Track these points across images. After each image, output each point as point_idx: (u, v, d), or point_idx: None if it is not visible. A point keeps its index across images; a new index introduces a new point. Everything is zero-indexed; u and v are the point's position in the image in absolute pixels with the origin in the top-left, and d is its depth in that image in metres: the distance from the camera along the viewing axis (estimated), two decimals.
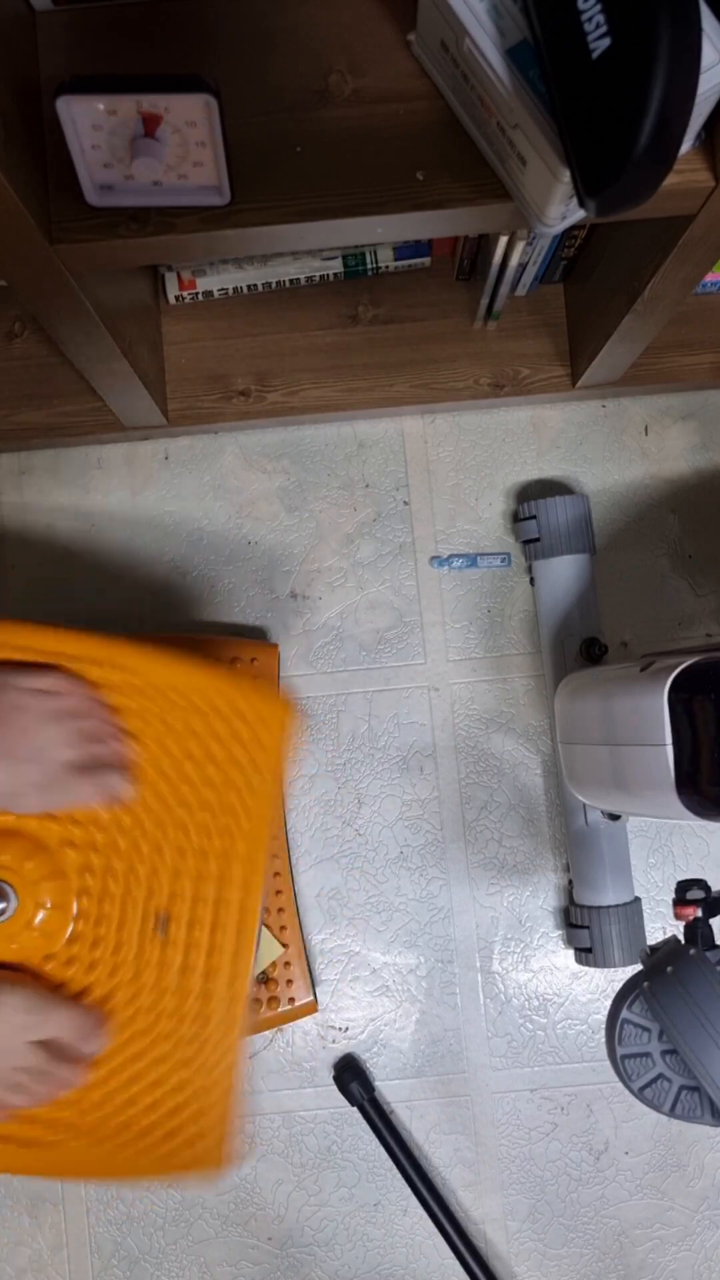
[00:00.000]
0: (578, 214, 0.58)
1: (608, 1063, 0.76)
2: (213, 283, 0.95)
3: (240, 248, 0.63)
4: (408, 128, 0.60)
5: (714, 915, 0.71)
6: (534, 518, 0.96)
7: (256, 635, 1.02)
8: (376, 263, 0.95)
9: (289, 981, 0.96)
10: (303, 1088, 0.99)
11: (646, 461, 1.03)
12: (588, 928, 0.93)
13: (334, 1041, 0.99)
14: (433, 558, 1.02)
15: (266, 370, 0.97)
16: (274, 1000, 0.96)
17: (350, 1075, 0.96)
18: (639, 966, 0.72)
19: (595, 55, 0.47)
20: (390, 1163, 0.97)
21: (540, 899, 1.00)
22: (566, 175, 0.52)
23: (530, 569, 1.00)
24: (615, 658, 0.99)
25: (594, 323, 0.89)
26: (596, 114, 0.48)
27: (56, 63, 0.60)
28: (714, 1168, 0.99)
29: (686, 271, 0.71)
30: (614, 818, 0.92)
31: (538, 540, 0.96)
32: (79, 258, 0.62)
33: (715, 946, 0.68)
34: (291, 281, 0.96)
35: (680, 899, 0.71)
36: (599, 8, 0.47)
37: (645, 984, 0.68)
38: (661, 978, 0.67)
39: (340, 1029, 0.99)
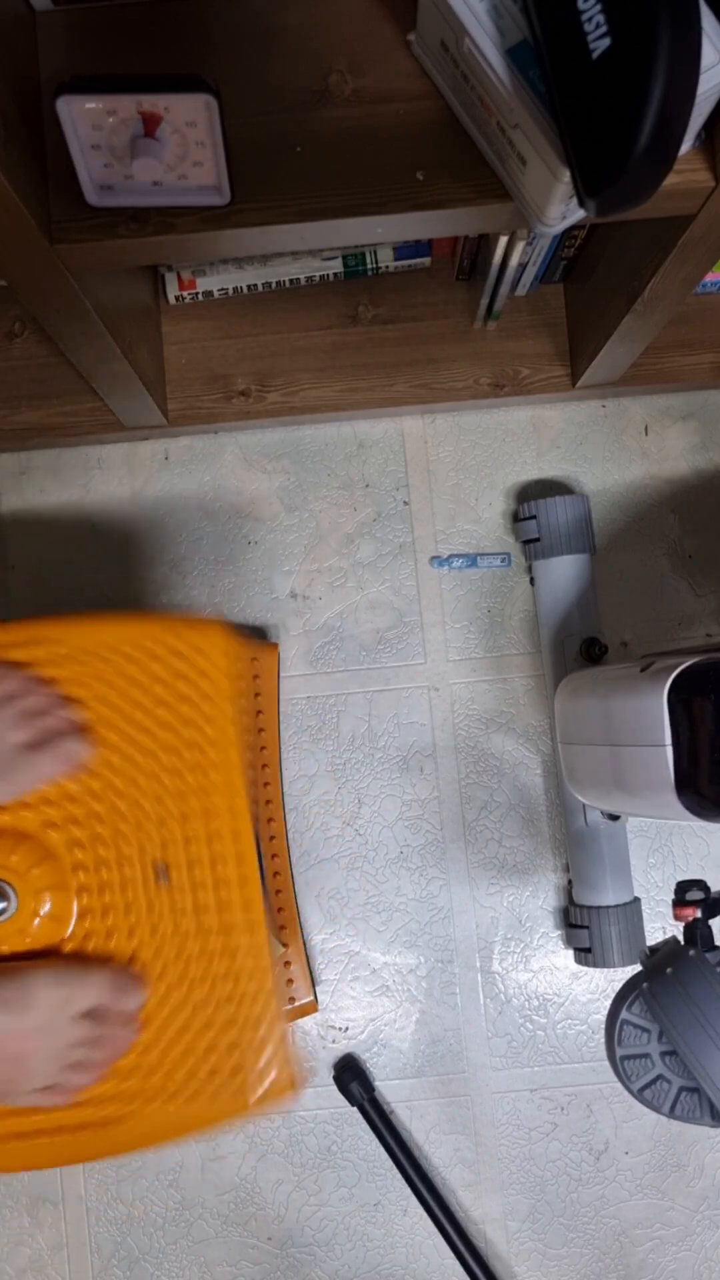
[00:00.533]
0: (578, 214, 0.58)
1: (607, 1063, 0.76)
2: (213, 283, 0.95)
3: (240, 248, 0.63)
4: (408, 128, 0.60)
5: (714, 916, 0.70)
6: (534, 518, 0.96)
7: (256, 635, 1.02)
8: (376, 263, 0.95)
9: (289, 981, 0.96)
10: (306, 1079, 0.98)
11: (646, 461, 1.03)
12: (587, 928, 0.93)
13: (334, 1041, 0.99)
14: (433, 558, 1.02)
15: (266, 370, 0.97)
16: None
17: (350, 1075, 0.96)
18: (639, 967, 0.72)
19: (595, 55, 0.47)
20: (390, 1163, 0.97)
21: (540, 899, 1.00)
22: (566, 175, 0.52)
23: (530, 569, 1.00)
24: (615, 658, 0.99)
25: (594, 323, 0.89)
26: (596, 114, 0.48)
27: (56, 63, 0.60)
28: (714, 1168, 0.99)
29: (686, 271, 0.71)
30: (614, 818, 0.92)
31: (538, 540, 0.96)
32: (79, 258, 0.62)
33: (715, 947, 0.68)
34: (291, 281, 0.96)
35: (680, 899, 0.71)
36: (599, 8, 0.47)
37: (645, 985, 0.68)
38: (661, 978, 0.67)
39: (340, 1029, 0.99)
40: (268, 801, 0.98)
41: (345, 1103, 0.97)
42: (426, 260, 0.96)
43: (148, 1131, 0.67)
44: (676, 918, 0.70)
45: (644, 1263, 0.98)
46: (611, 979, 1.00)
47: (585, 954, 0.93)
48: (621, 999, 0.70)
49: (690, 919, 0.70)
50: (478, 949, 1.00)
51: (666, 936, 0.73)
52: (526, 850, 1.00)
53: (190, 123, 0.54)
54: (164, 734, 0.69)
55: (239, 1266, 0.98)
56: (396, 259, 0.95)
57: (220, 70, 0.60)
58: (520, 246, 0.83)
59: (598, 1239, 0.98)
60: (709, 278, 0.94)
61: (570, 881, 0.98)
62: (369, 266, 0.95)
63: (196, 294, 0.96)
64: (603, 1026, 0.93)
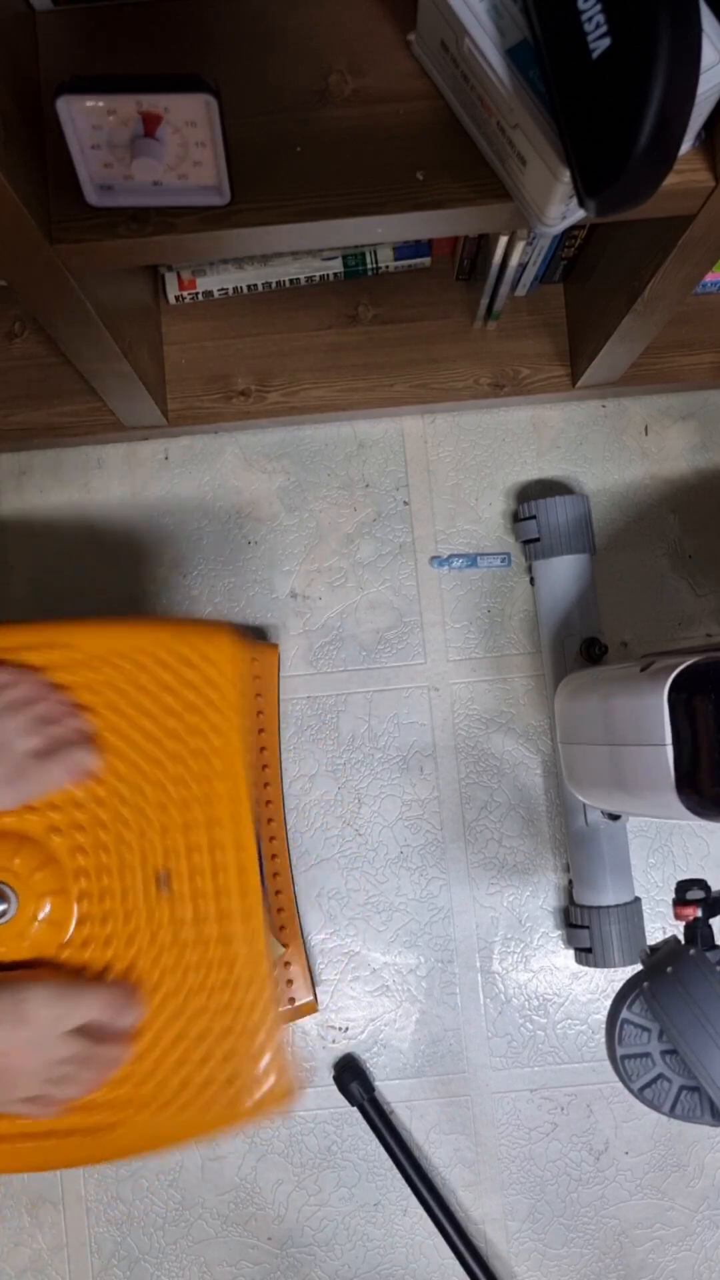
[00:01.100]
0: (578, 214, 0.58)
1: (608, 1063, 0.76)
2: (213, 283, 0.95)
3: (240, 248, 0.63)
4: (408, 128, 0.60)
5: (714, 915, 0.70)
6: (534, 518, 0.96)
7: (256, 635, 1.02)
8: (376, 263, 0.95)
9: (289, 981, 0.96)
10: (303, 1088, 0.98)
11: (646, 461, 1.03)
12: (588, 928, 0.93)
13: (334, 1041, 0.99)
14: (433, 558, 1.02)
15: (266, 370, 0.97)
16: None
17: (350, 1075, 0.96)
18: (639, 966, 0.72)
19: (595, 55, 0.47)
20: (390, 1163, 0.97)
21: (540, 899, 1.00)
22: (566, 175, 0.52)
23: (530, 569, 1.00)
24: (615, 658, 0.99)
25: (594, 323, 0.89)
26: (596, 114, 0.48)
27: (56, 63, 0.60)
28: (714, 1168, 0.99)
29: (686, 271, 0.71)
30: (614, 818, 0.92)
31: (538, 540, 0.96)
32: (79, 258, 0.62)
33: (715, 946, 0.68)
34: (291, 281, 0.96)
35: (680, 899, 0.71)
36: (599, 8, 0.47)
37: (645, 984, 0.68)
38: (661, 978, 0.67)
39: (340, 1029, 0.99)
40: (268, 802, 0.98)
41: (345, 1103, 0.97)
42: (426, 260, 0.96)
43: (138, 1139, 0.67)
44: (677, 917, 0.70)
45: (644, 1263, 0.98)
46: (611, 979, 1.00)
47: (585, 954, 0.93)
48: (622, 998, 0.70)
49: (690, 918, 0.70)
50: (478, 949, 1.00)
51: (667, 936, 0.73)
52: (526, 850, 1.00)
53: (190, 123, 0.54)
54: (171, 743, 0.69)
55: (239, 1266, 0.98)
56: (396, 259, 0.95)
57: (220, 70, 0.60)
58: (520, 246, 0.83)
59: (598, 1239, 0.98)
60: (709, 278, 0.94)
61: (570, 881, 0.98)
62: (369, 266, 0.95)
63: (196, 294, 0.96)
64: (603, 1026, 0.93)
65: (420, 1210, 0.97)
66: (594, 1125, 0.99)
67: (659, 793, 0.70)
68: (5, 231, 0.58)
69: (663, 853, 1.00)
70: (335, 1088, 0.98)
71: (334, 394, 0.97)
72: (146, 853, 0.68)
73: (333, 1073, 0.98)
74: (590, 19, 0.47)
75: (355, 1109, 0.97)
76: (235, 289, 0.95)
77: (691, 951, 0.68)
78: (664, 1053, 0.69)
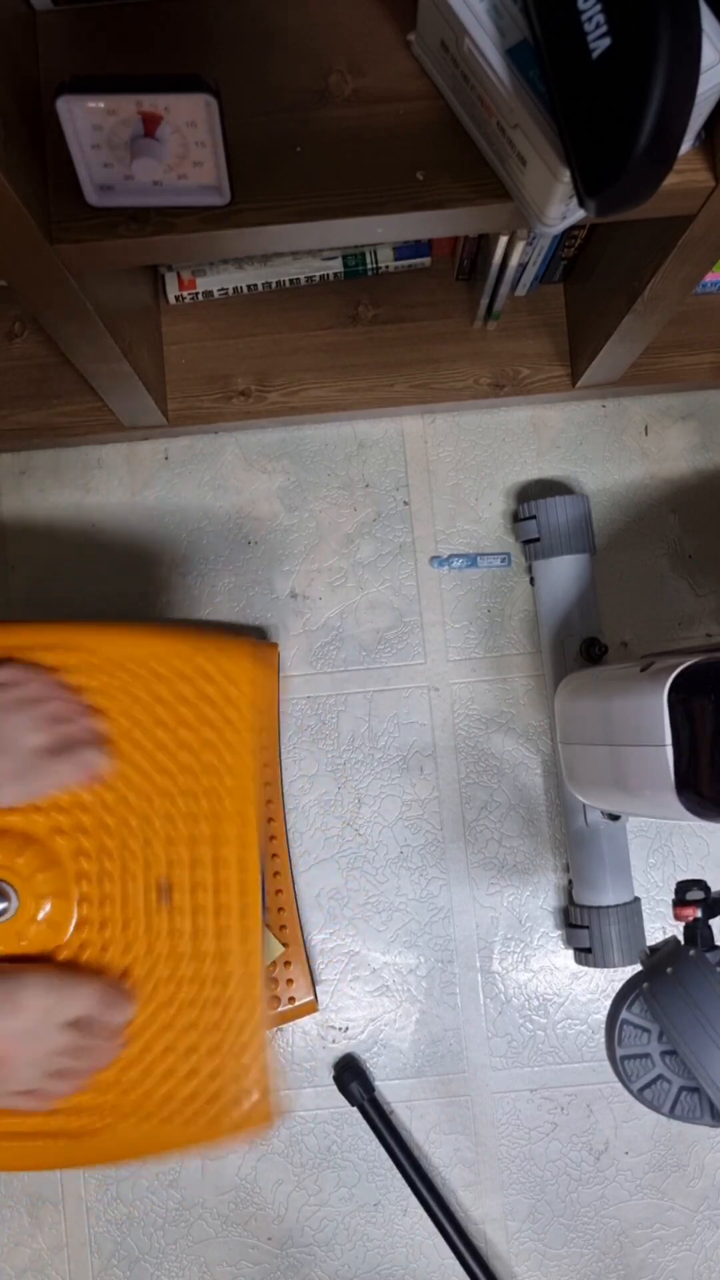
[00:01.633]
0: (578, 214, 0.58)
1: (607, 1063, 0.76)
2: (213, 283, 0.95)
3: (240, 248, 0.63)
4: (408, 128, 0.60)
5: (714, 916, 0.70)
6: (534, 518, 0.96)
7: (256, 635, 1.02)
8: (376, 263, 0.95)
9: (289, 981, 0.96)
10: (303, 1088, 0.99)
11: (646, 461, 1.03)
12: (588, 928, 0.93)
13: (334, 1041, 0.99)
14: (433, 558, 1.02)
15: (266, 370, 0.97)
16: (274, 1000, 0.96)
17: (350, 1075, 0.96)
18: (639, 967, 0.72)
19: (595, 55, 0.47)
20: (390, 1163, 0.97)
21: (540, 899, 1.00)
22: (566, 175, 0.52)
23: (530, 569, 1.00)
24: (615, 658, 0.99)
25: (594, 323, 0.89)
26: (596, 114, 0.48)
27: (56, 63, 0.60)
28: (714, 1168, 0.99)
29: (686, 271, 0.71)
30: (614, 818, 0.92)
31: (538, 540, 0.96)
32: (79, 258, 0.62)
33: (715, 947, 0.68)
34: (291, 281, 0.96)
35: (680, 899, 0.71)
36: (599, 8, 0.47)
37: (645, 984, 0.68)
38: (661, 978, 0.67)
39: (340, 1029, 0.99)
40: (268, 801, 0.98)
41: (345, 1103, 0.97)
42: (426, 260, 0.96)
43: (121, 1147, 0.67)
44: (676, 918, 0.70)
45: (644, 1263, 0.98)
46: (611, 979, 1.00)
47: (585, 954, 0.93)
48: (621, 999, 0.70)
49: (690, 919, 0.70)
50: (478, 949, 1.00)
51: (666, 936, 0.73)
52: (526, 850, 1.00)
53: (190, 123, 0.54)
54: (183, 754, 0.69)
55: (239, 1266, 0.98)
56: (396, 259, 0.95)
57: (220, 70, 0.60)
58: (520, 246, 0.83)
59: (598, 1239, 0.98)
60: (709, 278, 0.94)
61: (570, 881, 0.98)
62: (369, 266, 0.95)
63: (196, 294, 0.96)
64: (603, 1026, 0.93)
65: (420, 1210, 0.97)
66: (594, 1125, 0.99)
67: (659, 793, 0.70)
68: (5, 231, 0.58)
69: (663, 853, 1.00)
70: (335, 1088, 0.98)
71: (334, 394, 0.97)
72: (150, 861, 0.68)
73: (333, 1073, 0.98)
74: (590, 19, 0.47)
75: (355, 1109, 0.97)
76: (235, 289, 0.95)
77: (691, 952, 0.68)
78: (664, 1053, 0.69)
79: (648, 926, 0.96)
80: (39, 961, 0.67)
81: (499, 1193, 0.98)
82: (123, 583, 1.02)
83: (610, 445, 1.03)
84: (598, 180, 0.49)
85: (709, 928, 0.70)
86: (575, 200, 0.52)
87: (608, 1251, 0.98)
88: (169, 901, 0.67)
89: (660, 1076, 0.69)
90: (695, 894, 0.71)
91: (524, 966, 0.99)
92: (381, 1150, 0.97)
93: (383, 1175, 0.98)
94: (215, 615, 1.02)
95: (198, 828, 0.68)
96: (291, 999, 0.96)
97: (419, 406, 0.99)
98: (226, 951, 0.67)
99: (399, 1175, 0.97)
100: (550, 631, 0.96)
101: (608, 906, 0.93)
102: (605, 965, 0.92)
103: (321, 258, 0.93)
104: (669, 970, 0.67)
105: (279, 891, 0.97)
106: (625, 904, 0.93)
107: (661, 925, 0.99)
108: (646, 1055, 0.69)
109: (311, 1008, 0.97)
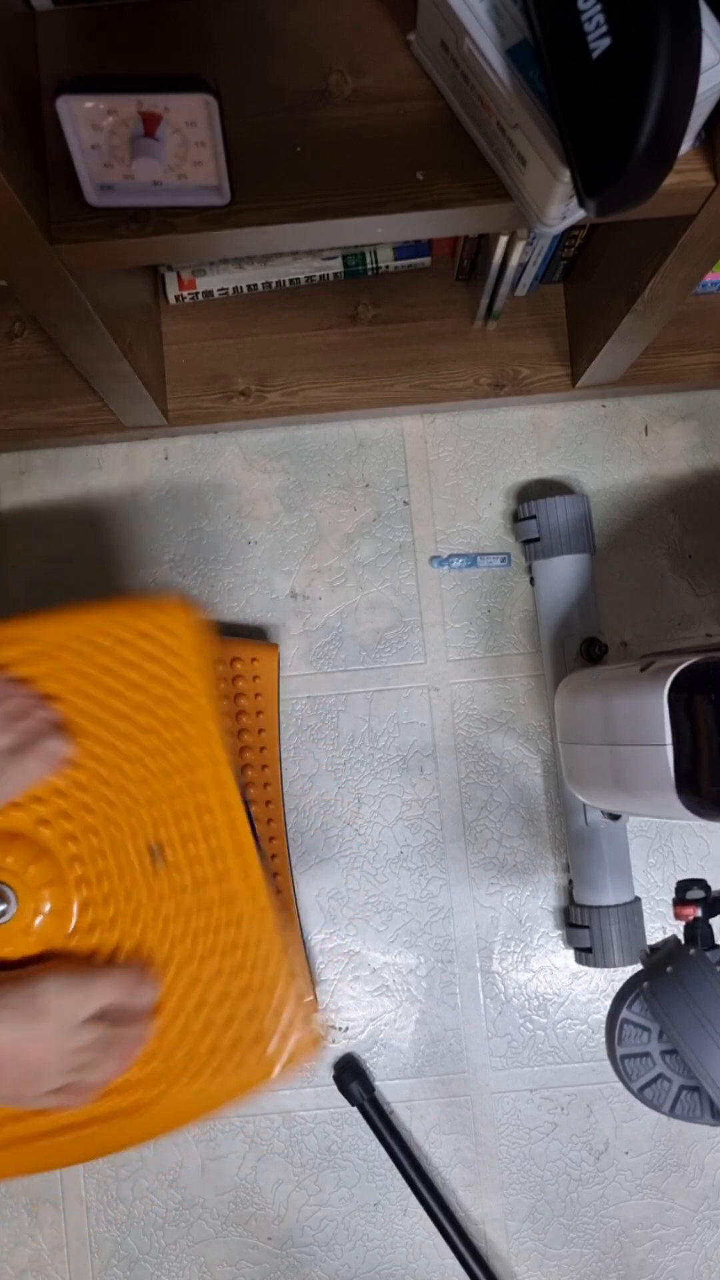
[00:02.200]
0: (578, 214, 0.58)
1: (608, 1062, 0.76)
2: (213, 283, 0.95)
3: (240, 248, 0.63)
4: (408, 128, 0.60)
5: (714, 915, 0.70)
6: (534, 518, 0.96)
7: (256, 635, 1.02)
8: (376, 263, 0.95)
9: None
10: (303, 1088, 0.99)
11: (646, 461, 1.03)
12: (588, 928, 0.93)
13: (334, 1041, 0.99)
14: (433, 558, 1.02)
15: (266, 370, 0.97)
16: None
17: (350, 1075, 0.96)
18: (639, 966, 0.72)
19: (595, 55, 0.47)
20: (390, 1163, 0.97)
21: (540, 899, 1.00)
22: (566, 175, 0.52)
23: (530, 569, 1.00)
24: (615, 658, 0.99)
25: (594, 323, 0.89)
26: (596, 114, 0.48)
27: (56, 63, 0.60)
28: (714, 1168, 0.99)
29: (686, 271, 0.71)
30: (614, 818, 0.92)
31: (538, 540, 0.96)
32: (79, 258, 0.62)
33: (715, 946, 0.68)
34: (291, 281, 0.96)
35: (680, 899, 0.71)
36: (599, 8, 0.47)
37: (645, 984, 0.68)
38: (661, 978, 0.67)
39: (340, 1029, 0.99)
40: (268, 802, 0.98)
41: (345, 1103, 0.97)
42: (426, 260, 0.96)
43: (180, 1111, 0.67)
44: (677, 917, 0.70)
45: (644, 1263, 0.98)
46: (611, 979, 1.00)
47: (585, 954, 0.93)
48: (622, 998, 0.70)
49: (690, 918, 0.70)
50: (478, 949, 1.00)
51: (667, 936, 0.73)
52: (526, 850, 1.00)
53: (190, 123, 0.54)
54: (142, 716, 0.69)
55: (239, 1266, 0.98)
56: (396, 259, 0.95)
57: (220, 70, 0.60)
58: (520, 246, 0.83)
59: (598, 1239, 0.98)
60: (709, 278, 0.94)
61: (570, 881, 0.98)
62: (369, 266, 0.95)
63: (196, 294, 0.96)
64: (603, 1026, 0.93)
65: (420, 1210, 0.97)
66: (594, 1125, 0.99)
67: (659, 793, 0.70)
68: (5, 231, 0.58)
69: (663, 853, 1.00)
70: (335, 1088, 0.98)
71: (334, 394, 0.97)
72: (135, 829, 0.68)
73: (333, 1073, 0.98)
74: (590, 19, 0.47)
75: (355, 1109, 0.97)
76: (235, 289, 0.96)
77: (691, 951, 0.68)
78: (664, 1053, 0.69)
79: (648, 926, 0.96)
80: (54, 956, 0.67)
81: (499, 1193, 0.98)
82: (123, 583, 1.02)
83: (610, 445, 1.03)
84: (598, 180, 0.49)
85: (709, 927, 0.70)
86: (575, 200, 0.52)
87: (608, 1251, 0.98)
88: (164, 861, 0.68)
89: (660, 1075, 0.69)
90: (695, 893, 0.71)
91: (524, 966, 1.00)
92: (381, 1150, 0.97)
93: (383, 1175, 0.98)
94: (215, 615, 1.02)
95: (173, 782, 0.69)
96: None
97: (419, 406, 0.99)
98: (232, 893, 0.68)
99: (399, 1175, 0.97)
100: (550, 631, 0.96)
101: (608, 906, 0.93)
102: (605, 965, 0.92)
103: (321, 258, 0.93)
104: (669, 969, 0.67)
105: (279, 891, 0.97)
106: (625, 904, 0.93)
107: (661, 925, 0.99)
108: (647, 1054, 0.69)
109: (312, 1008, 0.97)
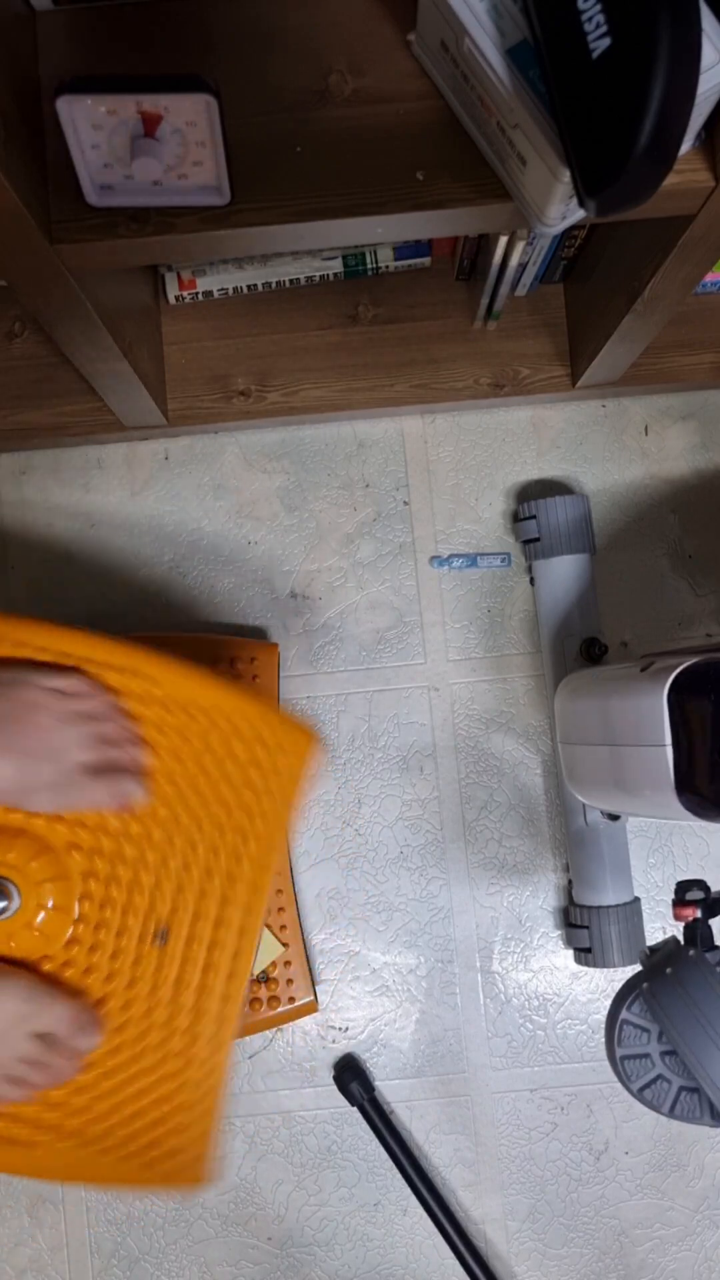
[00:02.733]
0: (578, 214, 0.58)
1: (607, 1063, 0.76)
2: (213, 283, 0.95)
3: (240, 248, 0.63)
4: (408, 128, 0.60)
5: (713, 916, 0.70)
6: (534, 518, 0.96)
7: (256, 635, 1.02)
8: (376, 263, 0.95)
9: (289, 981, 0.96)
10: (303, 1088, 0.99)
11: (646, 461, 1.03)
12: (587, 928, 0.93)
13: (334, 1041, 0.99)
14: (433, 558, 1.02)
15: (266, 370, 0.97)
16: (274, 1000, 0.96)
17: (350, 1075, 0.96)
18: (639, 967, 0.72)
19: (595, 55, 0.47)
20: (390, 1163, 0.97)
21: (540, 899, 1.00)
22: (566, 175, 0.52)
23: (530, 569, 1.00)
24: (615, 658, 0.99)
25: (594, 323, 0.89)
26: (596, 114, 0.48)
27: (56, 63, 0.60)
28: (714, 1168, 0.99)
29: (686, 271, 0.71)
30: (614, 817, 0.92)
31: (538, 540, 0.96)
32: (79, 258, 0.62)
33: (715, 947, 0.68)
34: (291, 281, 0.96)
35: (680, 899, 0.71)
36: (599, 8, 0.47)
37: (645, 985, 0.68)
38: (661, 978, 0.67)
39: (340, 1029, 0.99)
40: None
41: (345, 1103, 0.97)
42: (426, 260, 0.96)
43: (51, 1165, 0.67)
44: (676, 918, 0.70)
45: (644, 1263, 0.98)
46: (611, 979, 1.00)
47: (585, 954, 0.93)
48: (621, 999, 0.70)
49: (690, 919, 0.70)
50: (478, 949, 1.00)
51: (666, 936, 0.73)
52: (526, 850, 1.00)
53: (190, 123, 0.54)
54: (216, 808, 0.68)
55: (239, 1266, 0.98)
56: (396, 259, 0.95)
57: (220, 70, 0.60)
58: (520, 246, 0.83)
59: (598, 1239, 0.98)
60: (709, 278, 0.94)
61: (570, 881, 0.97)
62: (369, 266, 0.95)
63: (196, 294, 0.96)
64: (603, 1026, 0.93)
65: (420, 1210, 0.97)
66: (594, 1125, 0.99)
67: (659, 793, 0.70)
68: (5, 231, 0.58)
69: (663, 853, 1.00)
70: (335, 1088, 0.98)
71: (334, 394, 0.97)
72: (155, 902, 0.68)
73: (333, 1073, 0.98)
74: (590, 19, 0.47)
75: (355, 1109, 0.97)
76: (235, 289, 0.95)
77: (691, 952, 0.68)
78: (664, 1053, 0.69)
79: (648, 926, 0.96)
80: (22, 967, 0.67)
81: (499, 1193, 0.98)
82: (123, 583, 1.02)
83: (610, 445, 1.03)
84: (598, 180, 0.49)
85: (709, 928, 0.70)
86: (575, 200, 0.52)
87: (608, 1251, 0.98)
88: (163, 944, 0.67)
89: (660, 1076, 0.69)
90: (695, 894, 0.71)
91: (524, 966, 0.99)
92: (381, 1150, 0.97)
93: (383, 1175, 0.98)
94: (215, 615, 1.02)
95: (210, 882, 0.68)
96: (291, 999, 0.96)
97: (419, 406, 0.99)
98: (204, 1010, 0.67)
99: (399, 1175, 0.97)
100: (550, 631, 0.96)
101: (608, 906, 0.93)
102: (605, 965, 0.92)
103: (321, 258, 0.93)
104: (669, 970, 0.67)
105: (279, 891, 0.97)
106: (625, 904, 0.93)
107: (661, 925, 0.99)
108: (646, 1055, 0.69)
109: (311, 1008, 0.97)
